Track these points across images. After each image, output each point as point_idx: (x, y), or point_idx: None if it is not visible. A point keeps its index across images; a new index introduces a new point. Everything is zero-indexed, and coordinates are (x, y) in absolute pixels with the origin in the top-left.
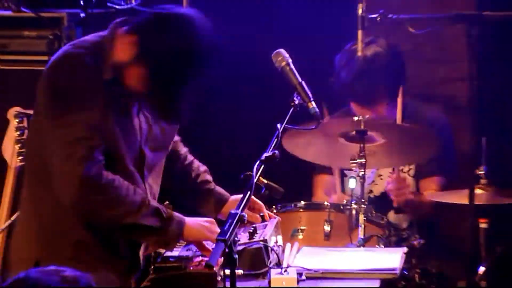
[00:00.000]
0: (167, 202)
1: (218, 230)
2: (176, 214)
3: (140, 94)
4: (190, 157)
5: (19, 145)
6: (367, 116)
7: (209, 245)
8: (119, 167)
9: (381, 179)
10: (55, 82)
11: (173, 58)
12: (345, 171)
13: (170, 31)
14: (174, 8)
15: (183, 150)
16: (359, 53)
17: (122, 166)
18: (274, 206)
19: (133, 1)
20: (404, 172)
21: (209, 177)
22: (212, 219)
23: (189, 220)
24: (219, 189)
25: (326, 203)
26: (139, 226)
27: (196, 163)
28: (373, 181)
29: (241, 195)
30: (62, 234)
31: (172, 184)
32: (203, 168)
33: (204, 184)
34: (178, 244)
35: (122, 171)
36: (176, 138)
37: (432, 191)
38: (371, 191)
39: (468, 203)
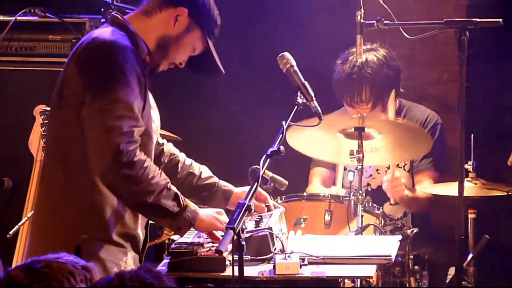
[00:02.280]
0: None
1: (226, 220)
2: (192, 204)
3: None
4: (188, 159)
5: (44, 140)
6: (365, 113)
7: (219, 233)
8: (146, 149)
9: (378, 173)
10: (101, 64)
11: (215, 16)
12: (345, 165)
13: None
14: None
15: (179, 153)
16: (357, 57)
17: (148, 148)
18: (278, 197)
19: None
20: (400, 167)
21: (211, 173)
22: (222, 210)
23: (202, 212)
24: (223, 182)
25: (326, 194)
26: (159, 206)
27: (196, 163)
28: (371, 175)
29: (245, 187)
30: (96, 216)
31: (180, 185)
32: (203, 166)
33: (208, 179)
34: (189, 231)
35: (150, 152)
36: (168, 143)
37: (425, 184)
38: (369, 184)
39: (457, 195)
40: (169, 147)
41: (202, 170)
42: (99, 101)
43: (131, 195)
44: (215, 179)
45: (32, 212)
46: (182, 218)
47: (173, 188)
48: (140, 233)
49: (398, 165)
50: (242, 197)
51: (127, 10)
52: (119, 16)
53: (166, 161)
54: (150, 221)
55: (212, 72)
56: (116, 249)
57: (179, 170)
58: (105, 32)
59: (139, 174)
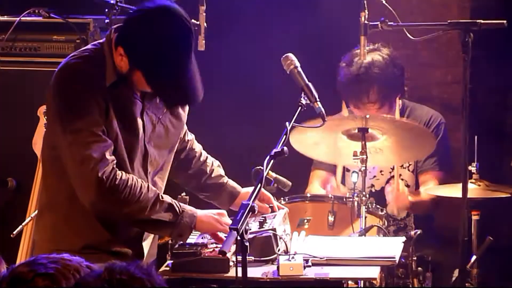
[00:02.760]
0: (184, 193)
1: (228, 221)
2: (188, 207)
3: (153, 93)
4: (204, 154)
5: None
6: (368, 115)
7: (222, 234)
8: (124, 165)
9: (382, 174)
10: (60, 91)
11: (161, 54)
12: (348, 166)
13: (147, 31)
14: (144, 8)
15: (198, 147)
16: (361, 58)
17: (126, 164)
18: (282, 198)
19: None
20: (404, 168)
21: (222, 172)
22: (223, 211)
23: (201, 213)
24: (231, 182)
25: (330, 195)
26: (154, 221)
27: (210, 159)
28: (375, 176)
29: (252, 188)
30: (73, 226)
31: (189, 180)
32: (216, 163)
33: (218, 179)
34: (193, 232)
35: (126, 168)
36: (191, 136)
37: (430, 186)
38: (373, 185)
39: (461, 196)
40: (192, 143)
41: (214, 169)
42: (66, 134)
43: (125, 217)
44: (224, 179)
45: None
46: (180, 225)
47: (166, 198)
48: (129, 248)
49: (402, 165)
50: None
51: (131, 11)
52: (109, 38)
53: (182, 157)
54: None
55: (173, 103)
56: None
57: (192, 166)
58: (73, 54)
59: (126, 196)
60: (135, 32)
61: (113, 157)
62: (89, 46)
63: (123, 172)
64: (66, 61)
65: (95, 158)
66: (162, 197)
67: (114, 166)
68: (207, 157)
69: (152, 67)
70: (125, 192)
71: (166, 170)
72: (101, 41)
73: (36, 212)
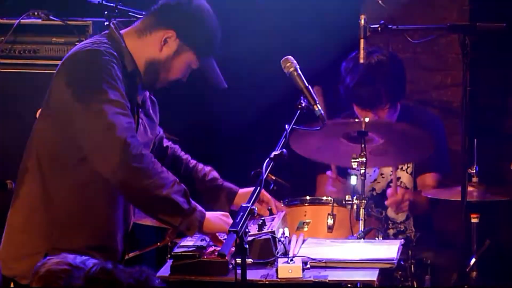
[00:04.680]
0: None
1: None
2: (199, 206)
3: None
4: (192, 161)
5: None
6: (367, 118)
7: (221, 236)
8: None
9: (383, 178)
10: (86, 70)
11: (210, 33)
12: (348, 170)
13: (199, 16)
14: None
15: (185, 156)
16: (361, 61)
17: None
18: (281, 201)
19: None
20: (403, 170)
21: (216, 174)
22: (227, 213)
23: (209, 213)
24: (227, 183)
25: (329, 198)
26: (170, 200)
27: (200, 164)
28: (375, 179)
29: (250, 188)
30: (73, 223)
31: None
32: (208, 167)
33: (212, 182)
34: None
35: None
36: (169, 144)
37: (428, 188)
38: (373, 189)
39: (460, 199)
40: (174, 150)
41: (206, 173)
42: (93, 105)
43: (143, 190)
44: (219, 181)
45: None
46: (192, 217)
47: (182, 185)
48: (118, 245)
49: (401, 168)
50: (246, 198)
51: (130, 14)
52: (115, 31)
53: (169, 163)
54: (127, 234)
55: (214, 83)
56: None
57: (182, 173)
58: (90, 42)
59: (149, 167)
60: (187, 16)
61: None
62: (99, 37)
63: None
64: (84, 46)
65: (124, 125)
66: (180, 182)
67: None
68: (196, 163)
69: (205, 45)
70: (150, 163)
71: None
72: (102, 34)
73: (12, 209)
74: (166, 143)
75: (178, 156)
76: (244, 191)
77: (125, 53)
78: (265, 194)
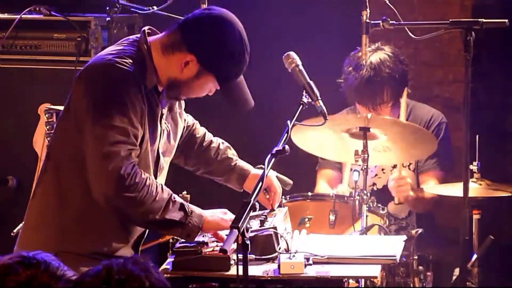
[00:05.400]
0: (185, 192)
1: (232, 218)
2: (196, 208)
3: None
4: (208, 139)
5: (48, 139)
6: (370, 114)
7: (223, 232)
8: (144, 168)
9: (384, 173)
10: (102, 86)
11: (234, 57)
12: (350, 165)
13: (221, 40)
14: (210, 16)
15: (200, 132)
16: (363, 57)
17: (147, 166)
18: (283, 197)
19: (155, 7)
20: (405, 167)
21: (230, 154)
22: (226, 210)
23: (207, 213)
24: (240, 164)
25: (331, 194)
26: (166, 221)
27: (216, 142)
28: (376, 174)
29: (261, 170)
30: (85, 227)
31: (196, 167)
32: (223, 145)
33: (224, 162)
34: None
35: (145, 171)
36: (192, 122)
37: (431, 185)
38: (374, 184)
39: (462, 195)
40: (192, 129)
41: (220, 152)
42: (96, 127)
43: (139, 216)
44: (232, 162)
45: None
46: (190, 225)
47: (177, 199)
48: (127, 252)
49: (403, 164)
50: (257, 178)
51: (132, 9)
52: (144, 44)
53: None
54: (141, 240)
55: (238, 105)
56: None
57: (195, 152)
58: (113, 53)
59: (143, 195)
60: (209, 42)
61: (136, 159)
62: (126, 47)
63: (142, 171)
64: (108, 58)
65: (121, 155)
66: (174, 198)
67: (136, 166)
68: (211, 140)
69: (226, 69)
70: (143, 191)
71: (165, 175)
72: (133, 41)
73: (28, 208)
74: (187, 122)
75: (193, 135)
76: (256, 174)
77: (149, 69)
78: (273, 185)
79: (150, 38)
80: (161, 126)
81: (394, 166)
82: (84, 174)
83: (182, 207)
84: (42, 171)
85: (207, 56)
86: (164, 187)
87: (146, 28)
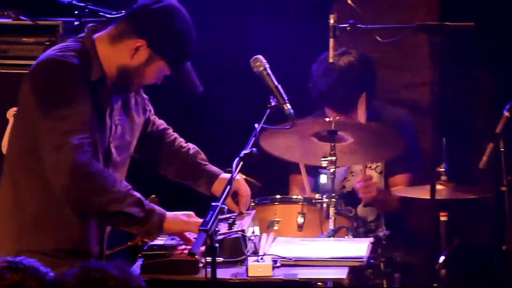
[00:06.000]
0: (154, 195)
1: (196, 221)
2: (158, 207)
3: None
4: (178, 144)
5: None
6: (338, 117)
7: (191, 235)
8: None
9: (353, 175)
10: (47, 81)
11: (182, 40)
12: (319, 168)
13: (170, 23)
14: (157, 2)
15: (171, 138)
16: (331, 60)
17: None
18: (252, 200)
19: (123, 11)
20: (372, 169)
21: (199, 158)
22: (191, 212)
23: (169, 214)
24: (209, 168)
25: (299, 197)
26: (123, 214)
27: (186, 147)
28: (345, 177)
29: (229, 174)
30: (43, 225)
31: (167, 171)
32: (193, 150)
33: (193, 166)
34: (163, 235)
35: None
36: (163, 125)
37: (399, 187)
38: (344, 187)
39: (429, 197)
40: (161, 133)
41: (189, 157)
42: (47, 120)
43: (94, 207)
44: (200, 166)
45: None
46: (149, 223)
47: (136, 194)
48: (92, 248)
49: (370, 166)
50: (226, 182)
51: (100, 14)
52: (88, 37)
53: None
54: (103, 237)
55: (189, 88)
56: (61, 262)
57: (164, 156)
58: (56, 48)
59: (98, 185)
60: (159, 26)
61: (91, 148)
62: (69, 43)
63: (98, 163)
64: (51, 54)
65: (74, 144)
66: (133, 192)
67: (92, 155)
68: (181, 145)
69: (176, 53)
70: (99, 180)
71: (124, 173)
72: (78, 38)
73: None
74: (154, 126)
75: (164, 141)
76: (224, 177)
77: (94, 61)
78: (241, 188)
79: (96, 34)
80: (111, 121)
81: (366, 167)
82: (37, 173)
83: (140, 203)
84: (1, 173)
85: (157, 40)
86: (123, 180)
87: (90, 25)
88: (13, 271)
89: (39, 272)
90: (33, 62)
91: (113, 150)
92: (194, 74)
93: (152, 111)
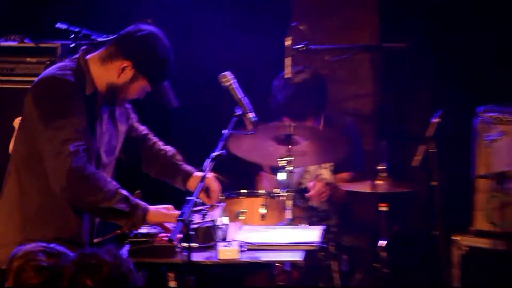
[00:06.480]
0: (139, 191)
1: (175, 213)
2: (142, 203)
3: (135, 100)
4: (158, 147)
5: None
6: (293, 124)
7: (171, 225)
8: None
9: (308, 174)
10: (47, 96)
11: (162, 63)
12: (280, 168)
13: (152, 48)
14: (142, 30)
15: (152, 141)
16: (286, 76)
17: (89, 161)
18: (222, 194)
19: (110, 35)
20: (325, 168)
21: (176, 159)
22: (170, 206)
23: (152, 208)
24: (185, 167)
25: (262, 191)
26: (113, 209)
27: (164, 150)
28: (302, 176)
29: (202, 173)
30: (44, 218)
31: (148, 170)
32: (171, 152)
33: (171, 166)
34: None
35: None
36: (144, 130)
37: (345, 183)
38: (300, 184)
39: (371, 191)
40: (143, 139)
41: (168, 158)
42: (47, 130)
43: (88, 204)
44: (177, 166)
45: None
46: (134, 216)
47: (123, 192)
48: (84, 238)
49: (323, 167)
50: (199, 179)
51: (92, 38)
52: (82, 58)
53: (137, 151)
54: (95, 227)
55: (165, 103)
56: None
57: (146, 158)
58: (55, 68)
59: (92, 186)
60: (142, 50)
61: (85, 154)
62: (67, 63)
63: (92, 166)
64: (51, 72)
65: (71, 151)
66: (120, 191)
67: (86, 160)
68: (160, 148)
69: (156, 73)
70: (92, 182)
71: (112, 173)
72: (74, 58)
73: None
74: (138, 131)
75: (145, 144)
76: (198, 175)
77: (87, 78)
78: (212, 185)
79: (88, 55)
80: (101, 128)
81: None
82: (39, 173)
83: (126, 199)
84: (7, 173)
85: (140, 62)
86: (112, 181)
87: (84, 47)
88: (48, 255)
89: (69, 258)
90: (36, 79)
91: (102, 153)
92: (171, 91)
93: (135, 119)
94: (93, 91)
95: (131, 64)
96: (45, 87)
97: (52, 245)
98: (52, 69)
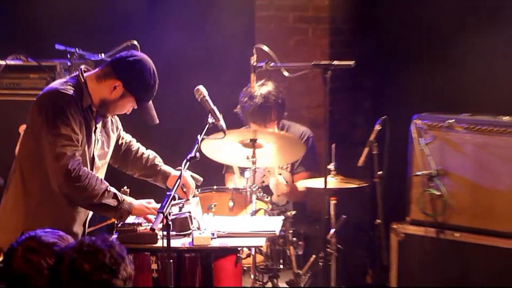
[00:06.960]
0: (126, 187)
1: (156, 206)
2: (128, 198)
3: (123, 114)
4: (141, 151)
5: None
6: (256, 129)
7: (152, 216)
8: (83, 165)
9: (270, 173)
10: (51, 107)
11: (148, 85)
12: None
13: (140, 72)
14: (133, 56)
15: (135, 147)
16: (251, 89)
17: (84, 165)
18: (196, 189)
19: (103, 55)
20: (283, 169)
21: (156, 161)
22: (151, 200)
23: (136, 202)
24: (164, 168)
25: (230, 187)
26: (103, 204)
27: (146, 153)
28: (264, 175)
29: (179, 172)
30: (44, 211)
31: (132, 171)
32: (152, 155)
33: (152, 167)
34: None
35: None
36: (129, 138)
37: (302, 181)
38: (263, 181)
39: (323, 187)
40: (128, 146)
41: (149, 160)
42: (49, 136)
43: (82, 200)
44: (157, 167)
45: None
46: (121, 210)
47: (112, 189)
48: (78, 229)
49: (282, 167)
50: (176, 178)
51: (86, 57)
52: (81, 75)
53: (123, 157)
54: (87, 220)
55: (147, 120)
56: None
57: (130, 161)
58: (58, 83)
59: (85, 184)
60: (132, 73)
61: (80, 157)
62: (68, 79)
63: (86, 168)
64: (55, 87)
65: (68, 155)
66: (109, 188)
67: (80, 163)
68: (143, 153)
69: (142, 94)
70: (85, 181)
71: (103, 172)
72: (74, 76)
73: (3, 198)
74: (123, 139)
75: (129, 150)
76: (175, 175)
77: (85, 93)
78: (187, 183)
79: (86, 73)
80: (95, 136)
81: (282, 168)
82: (41, 171)
83: (115, 196)
84: (11, 171)
85: (129, 82)
86: (103, 180)
87: (83, 66)
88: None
89: (69, 245)
90: (39, 92)
91: (96, 158)
92: (154, 110)
93: (121, 129)
94: (89, 105)
95: (121, 83)
96: (49, 99)
97: (62, 233)
98: (55, 84)
